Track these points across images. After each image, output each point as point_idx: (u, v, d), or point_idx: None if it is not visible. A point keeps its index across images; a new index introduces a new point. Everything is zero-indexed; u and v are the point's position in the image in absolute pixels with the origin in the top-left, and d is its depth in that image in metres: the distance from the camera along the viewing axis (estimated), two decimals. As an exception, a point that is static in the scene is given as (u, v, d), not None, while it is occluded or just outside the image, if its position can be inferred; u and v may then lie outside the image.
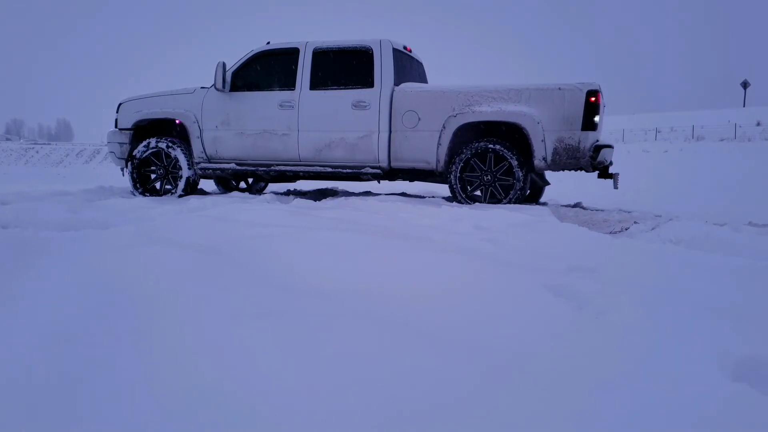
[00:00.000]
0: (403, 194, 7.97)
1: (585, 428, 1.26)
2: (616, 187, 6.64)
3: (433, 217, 4.45)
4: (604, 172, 6.61)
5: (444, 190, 8.29)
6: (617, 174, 6.59)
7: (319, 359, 1.47)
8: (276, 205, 5.01)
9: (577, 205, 7.10)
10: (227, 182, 9.26)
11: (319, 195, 7.96)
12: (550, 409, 1.33)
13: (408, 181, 7.34)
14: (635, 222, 5.13)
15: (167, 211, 5.13)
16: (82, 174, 25.43)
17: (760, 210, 7.22)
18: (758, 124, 36.74)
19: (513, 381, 1.45)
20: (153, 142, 7.52)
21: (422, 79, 8.15)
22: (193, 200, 6.32)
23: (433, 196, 7.52)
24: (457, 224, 4.04)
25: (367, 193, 8.03)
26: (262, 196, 6.96)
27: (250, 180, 9.50)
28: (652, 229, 4.57)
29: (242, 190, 9.12)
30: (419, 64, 8.09)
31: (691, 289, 2.38)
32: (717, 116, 44.04)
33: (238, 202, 5.29)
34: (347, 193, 8.25)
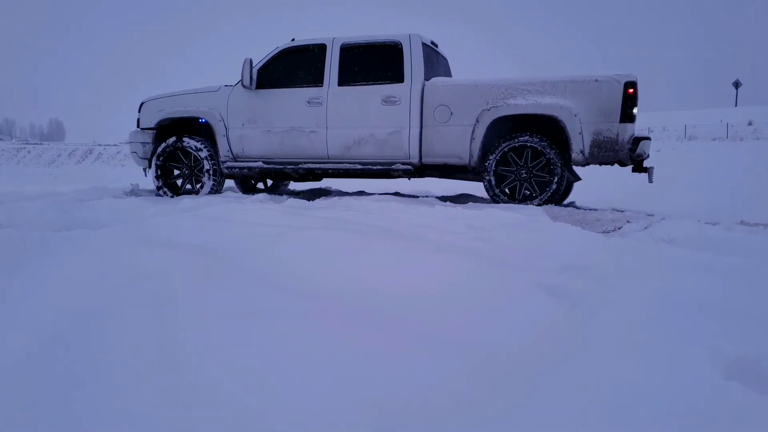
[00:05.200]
0: (397, 194, 7.96)
1: (578, 426, 1.27)
2: (651, 181, 6.44)
3: (427, 216, 4.45)
4: (639, 166, 6.49)
5: (466, 186, 8.27)
6: (652, 168, 6.46)
7: (313, 358, 1.47)
8: (269, 204, 5.00)
9: (570, 205, 7.11)
10: (246, 183, 9.10)
11: (312, 195, 7.95)
12: (544, 407, 1.33)
13: (438, 178, 7.24)
14: (628, 221, 5.14)
15: (160, 211, 5.11)
16: (74, 174, 25.30)
17: (752, 208, 7.26)
18: (750, 124, 36.92)
19: (506, 380, 1.45)
20: (177, 141, 7.39)
21: (447, 74, 8.00)
22: (186, 200, 6.30)
23: (426, 196, 7.52)
24: (451, 224, 4.04)
25: (361, 193, 8.02)
26: (254, 196, 6.93)
27: (269, 182, 9.34)
28: (645, 228, 4.58)
29: (261, 191, 8.95)
30: (444, 60, 7.96)
31: (684, 288, 2.39)
32: (709, 116, 44.21)
33: (231, 202, 5.28)
34: (341, 193, 8.24)
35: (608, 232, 4.81)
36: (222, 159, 7.43)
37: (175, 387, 1.31)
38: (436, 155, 6.78)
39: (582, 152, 6.20)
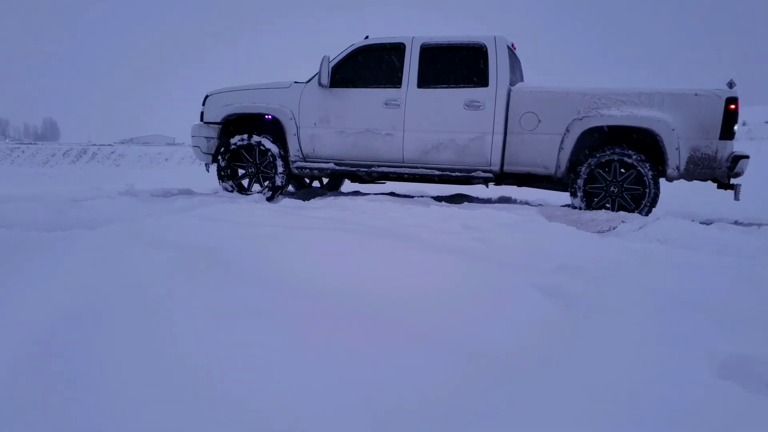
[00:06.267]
0: (392, 194, 7.96)
1: (573, 427, 1.27)
2: (737, 198, 6.17)
3: (422, 216, 4.46)
4: (725, 183, 6.27)
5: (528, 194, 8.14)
6: (739, 185, 6.20)
7: (308, 359, 1.47)
8: (264, 204, 5.00)
9: (566, 206, 7.13)
10: (301, 179, 8.87)
11: (307, 195, 7.95)
12: (539, 407, 1.33)
13: (517, 186, 7.01)
14: (623, 221, 5.16)
15: (155, 210, 5.10)
16: (69, 174, 25.22)
17: (746, 208, 7.28)
18: (744, 124, 37.08)
19: (502, 380, 1.45)
20: (247, 137, 7.18)
21: (522, 78, 7.75)
22: (181, 200, 6.28)
23: (421, 196, 7.52)
24: (446, 223, 4.04)
25: (356, 193, 8.02)
26: (250, 196, 6.92)
27: (325, 180, 9.10)
28: (640, 228, 4.60)
29: (316, 189, 8.78)
30: (519, 63, 7.75)
31: (678, 287, 2.39)
32: (704, 116, 44.28)
33: (226, 202, 5.27)
34: (336, 193, 8.23)
35: (603, 232, 4.82)
36: (292, 159, 7.21)
37: (171, 388, 1.31)
38: (519, 164, 6.55)
39: (678, 168, 6.00)
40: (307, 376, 1.38)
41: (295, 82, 7.23)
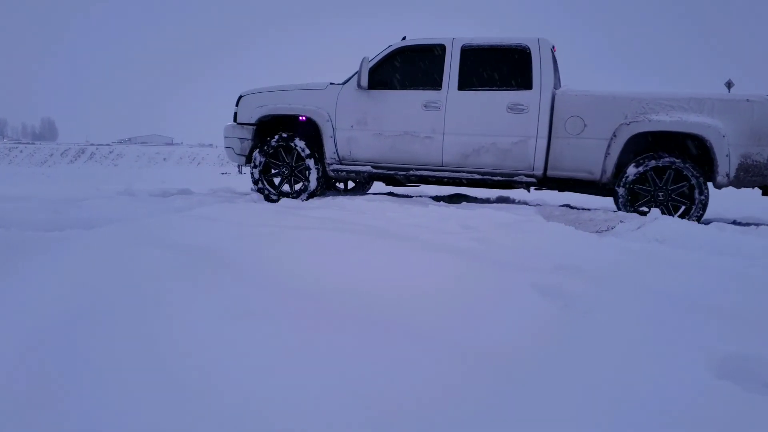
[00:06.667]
0: (390, 194, 7.96)
1: (570, 426, 1.27)
2: None
3: (421, 216, 4.46)
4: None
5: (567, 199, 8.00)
6: None
7: (307, 358, 1.47)
8: (262, 204, 4.99)
9: (564, 206, 7.13)
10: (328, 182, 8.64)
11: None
12: (537, 407, 1.33)
13: (558, 191, 6.89)
14: (621, 221, 5.16)
15: (153, 210, 5.10)
16: (67, 173, 25.19)
17: (744, 209, 7.29)
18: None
19: (500, 379, 1.45)
20: (287, 138, 7.06)
21: (560, 82, 7.53)
22: (180, 199, 6.29)
23: (420, 196, 7.52)
24: (445, 223, 4.04)
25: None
26: (248, 196, 6.91)
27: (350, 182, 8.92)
28: (638, 228, 4.60)
29: (341, 191, 8.62)
30: (558, 66, 7.60)
31: (677, 287, 2.39)
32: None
33: (224, 202, 5.27)
34: (334, 193, 8.22)
35: (601, 231, 4.82)
36: (328, 161, 7.08)
37: (169, 387, 1.31)
38: (563, 168, 6.42)
39: (727, 175, 5.89)
40: (305, 375, 1.38)
41: (331, 84, 7.14)
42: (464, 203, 6.61)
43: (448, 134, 6.62)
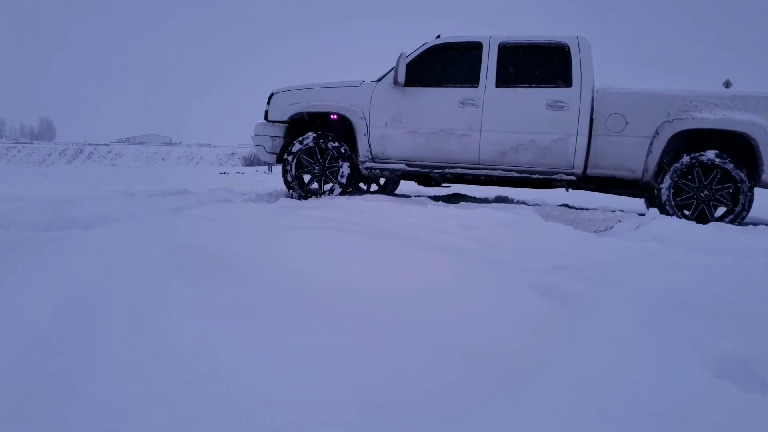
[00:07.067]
0: (388, 194, 7.95)
1: (568, 425, 1.27)
2: None
3: (419, 216, 4.46)
4: None
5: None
6: None
7: (305, 358, 1.47)
8: (261, 204, 4.99)
9: (563, 205, 7.13)
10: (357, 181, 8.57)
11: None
12: (534, 406, 1.33)
13: (595, 191, 6.79)
14: (619, 221, 5.17)
15: (151, 210, 5.09)
16: (65, 174, 25.15)
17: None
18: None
19: (497, 379, 1.45)
20: (323, 137, 6.97)
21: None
22: (178, 199, 6.28)
23: (418, 195, 7.52)
24: (443, 223, 4.05)
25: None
26: (247, 195, 6.89)
27: (382, 181, 8.88)
28: (636, 228, 4.60)
29: (372, 192, 8.51)
30: None
31: (674, 287, 2.40)
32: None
33: (223, 202, 5.27)
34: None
35: (600, 231, 4.83)
36: (361, 159, 7.01)
37: (168, 387, 1.31)
38: (604, 167, 6.34)
39: None
40: (303, 375, 1.38)
41: (362, 81, 7.10)
42: (463, 203, 6.61)
43: (485, 131, 6.55)
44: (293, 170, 7.09)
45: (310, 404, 1.27)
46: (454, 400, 1.33)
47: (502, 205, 6.67)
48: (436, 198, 7.45)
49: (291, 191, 7.15)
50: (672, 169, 6.01)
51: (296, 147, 7.03)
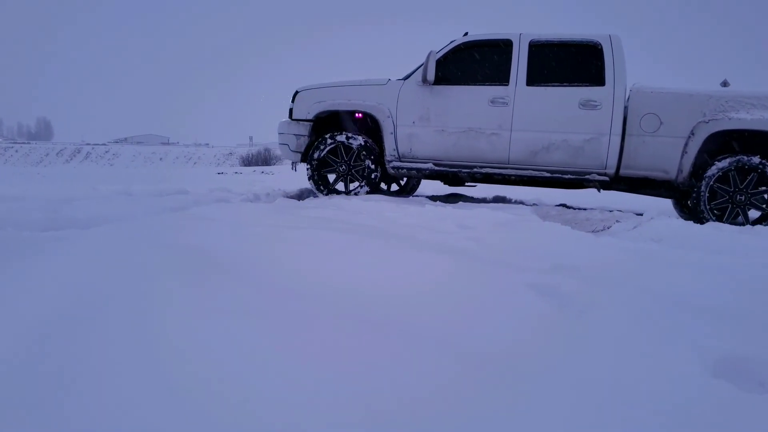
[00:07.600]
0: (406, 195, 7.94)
1: (566, 425, 1.27)
2: None
3: (417, 216, 4.46)
4: None
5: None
6: None
7: (302, 358, 1.47)
8: (259, 204, 4.99)
9: (560, 205, 7.13)
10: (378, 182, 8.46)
11: (301, 194, 7.93)
12: (532, 406, 1.33)
13: (629, 192, 6.63)
14: (617, 221, 5.17)
15: (149, 210, 5.09)
16: (62, 174, 25.12)
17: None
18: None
19: (495, 379, 1.45)
20: (351, 135, 6.90)
21: None
22: (176, 199, 6.27)
23: (417, 195, 7.52)
24: (441, 223, 4.05)
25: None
26: (244, 195, 6.89)
27: (403, 180, 8.76)
28: (634, 227, 4.61)
29: (392, 193, 8.40)
30: None
31: (672, 287, 2.40)
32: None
33: (221, 202, 5.26)
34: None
35: (598, 231, 4.83)
36: (387, 158, 6.89)
37: (166, 387, 1.30)
38: (637, 167, 6.22)
39: None
40: (300, 375, 1.38)
41: (389, 79, 6.99)
42: (461, 203, 6.61)
43: (516, 130, 6.43)
44: (317, 168, 6.99)
45: (309, 404, 1.27)
46: (453, 400, 1.33)
47: (500, 204, 6.67)
48: (434, 198, 7.45)
49: (317, 188, 7.07)
50: (712, 171, 5.89)
51: (328, 145, 6.93)
